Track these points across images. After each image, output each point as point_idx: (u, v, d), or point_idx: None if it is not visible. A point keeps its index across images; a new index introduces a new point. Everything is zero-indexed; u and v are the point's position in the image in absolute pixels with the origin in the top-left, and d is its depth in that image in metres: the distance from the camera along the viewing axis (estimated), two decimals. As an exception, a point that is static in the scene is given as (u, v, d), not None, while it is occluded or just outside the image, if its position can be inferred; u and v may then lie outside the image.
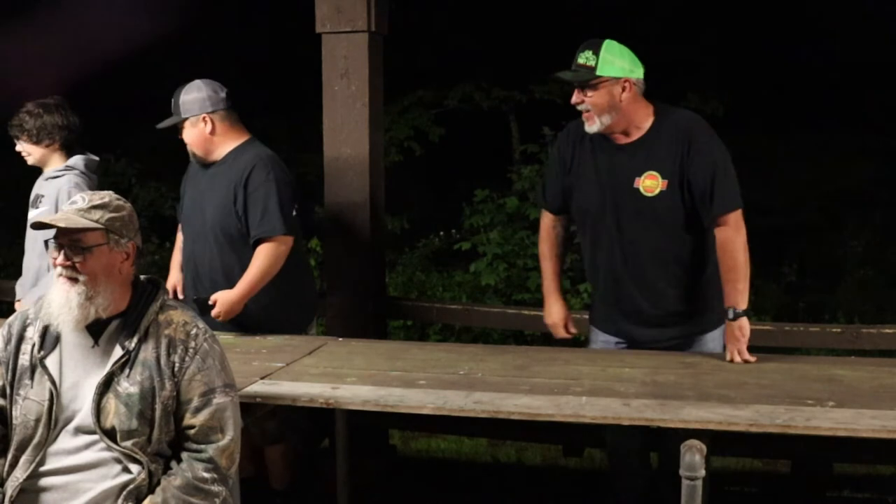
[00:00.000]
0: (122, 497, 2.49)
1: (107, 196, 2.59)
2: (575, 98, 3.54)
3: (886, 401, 2.86)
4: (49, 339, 2.57)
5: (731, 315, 3.44)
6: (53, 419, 2.51)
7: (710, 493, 2.75)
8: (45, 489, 2.50)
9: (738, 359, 3.42)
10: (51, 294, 2.54)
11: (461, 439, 5.57)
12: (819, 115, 10.99)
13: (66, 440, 2.52)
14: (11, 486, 2.50)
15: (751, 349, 3.45)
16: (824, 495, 4.47)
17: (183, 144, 4.09)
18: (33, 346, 2.57)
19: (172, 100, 4.03)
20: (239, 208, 3.90)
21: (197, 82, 4.03)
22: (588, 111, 3.52)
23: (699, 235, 3.56)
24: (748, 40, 11.45)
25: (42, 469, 2.51)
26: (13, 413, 2.55)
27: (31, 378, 2.54)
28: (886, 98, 10.38)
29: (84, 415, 2.51)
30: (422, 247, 9.58)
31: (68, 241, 2.51)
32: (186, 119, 3.98)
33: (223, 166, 4.00)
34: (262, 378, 3.16)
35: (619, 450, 3.82)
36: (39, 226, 2.57)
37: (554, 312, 3.83)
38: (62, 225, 2.50)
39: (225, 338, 3.32)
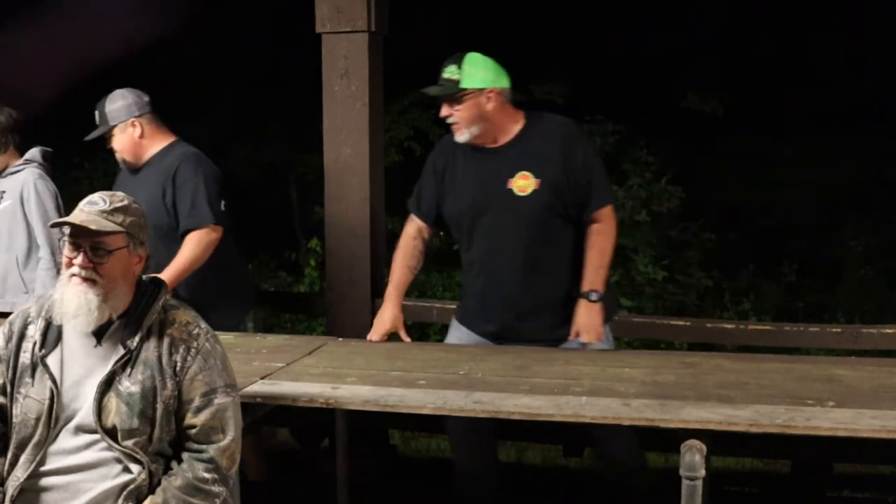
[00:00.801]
0: (122, 497, 2.49)
1: (124, 198, 2.59)
2: (443, 112, 3.65)
3: (886, 401, 2.86)
4: (50, 338, 2.57)
5: (594, 297, 3.59)
6: (54, 418, 2.51)
7: (710, 493, 2.75)
8: (45, 489, 2.50)
9: (594, 340, 3.55)
10: (64, 294, 2.51)
11: (461, 439, 5.56)
12: (819, 115, 10.99)
13: (66, 439, 2.51)
14: (12, 486, 2.50)
15: (751, 349, 3.46)
16: (824, 495, 4.47)
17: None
18: (34, 344, 2.56)
19: (96, 111, 4.15)
20: (168, 203, 4.01)
21: (119, 91, 4.16)
22: (457, 123, 3.64)
23: (572, 235, 3.67)
24: (749, 40, 11.45)
25: (42, 468, 2.51)
26: (13, 411, 2.55)
27: (32, 376, 2.54)
28: (887, 98, 10.37)
29: (85, 413, 2.51)
30: (422, 247, 9.56)
31: (91, 242, 2.50)
32: (115, 126, 4.11)
33: (151, 167, 4.13)
34: (262, 378, 3.16)
35: (462, 443, 3.87)
36: (57, 225, 2.56)
37: (387, 317, 3.83)
38: (94, 227, 2.48)
39: (225, 338, 3.32)
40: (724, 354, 3.62)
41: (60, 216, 4.29)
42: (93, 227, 2.49)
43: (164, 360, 2.54)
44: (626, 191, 8.33)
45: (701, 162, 10.73)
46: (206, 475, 2.52)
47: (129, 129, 4.11)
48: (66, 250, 2.53)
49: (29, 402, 2.53)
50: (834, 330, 4.40)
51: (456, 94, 3.60)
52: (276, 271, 9.78)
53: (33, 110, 4.48)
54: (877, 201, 10.46)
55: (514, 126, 3.70)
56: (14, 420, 2.55)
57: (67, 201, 4.23)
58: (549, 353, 3.60)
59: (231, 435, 2.57)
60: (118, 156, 4.18)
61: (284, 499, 4.24)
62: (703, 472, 2.65)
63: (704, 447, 2.66)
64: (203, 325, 2.64)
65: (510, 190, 3.61)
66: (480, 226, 3.70)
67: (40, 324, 2.58)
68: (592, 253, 3.63)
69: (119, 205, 2.55)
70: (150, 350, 2.54)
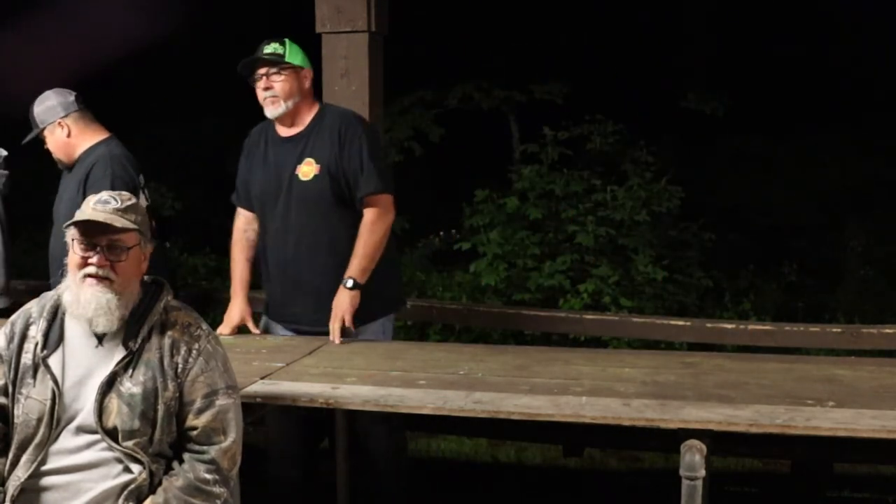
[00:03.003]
0: (122, 497, 2.49)
1: (131, 197, 2.61)
2: (264, 84, 3.88)
3: (886, 401, 2.86)
4: (52, 338, 2.57)
5: (349, 284, 3.80)
6: (55, 418, 2.51)
7: (710, 493, 2.75)
8: (46, 489, 2.51)
9: (336, 326, 3.75)
10: (79, 296, 2.51)
11: (461, 439, 5.57)
12: (819, 115, 10.99)
13: (67, 439, 2.52)
14: (13, 486, 2.50)
15: (751, 349, 3.47)
16: (824, 495, 4.47)
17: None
18: (36, 345, 2.56)
19: (29, 116, 4.23)
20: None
21: (46, 93, 4.25)
22: (275, 96, 3.88)
23: (353, 220, 3.88)
24: (748, 40, 11.46)
25: (44, 468, 2.51)
26: (15, 412, 2.55)
27: (34, 377, 2.54)
28: (886, 97, 10.37)
29: (86, 414, 2.51)
30: (422, 247, 9.57)
31: (107, 241, 2.51)
32: (45, 128, 4.20)
33: (77, 165, 4.23)
34: (262, 378, 3.16)
35: (279, 433, 4.01)
36: (76, 224, 2.54)
37: (235, 312, 4.04)
38: (118, 224, 2.50)
39: (225, 338, 3.33)
40: (724, 354, 3.62)
41: None
42: (117, 224, 2.50)
43: (166, 361, 2.54)
44: (626, 191, 8.33)
45: (701, 162, 10.73)
46: (208, 476, 2.52)
47: (56, 129, 4.20)
48: (79, 250, 2.52)
49: (30, 403, 2.53)
50: (834, 330, 4.40)
51: (281, 64, 3.85)
52: (277, 271, 9.78)
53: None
54: (877, 201, 10.45)
55: (310, 114, 3.95)
56: (16, 420, 2.54)
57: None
58: (550, 352, 3.61)
59: (232, 436, 2.57)
60: (54, 156, 4.27)
61: (284, 499, 4.23)
62: (703, 472, 2.65)
63: (704, 447, 2.66)
64: (204, 326, 2.65)
65: (296, 175, 3.89)
66: (273, 211, 3.94)
67: (42, 324, 2.58)
68: (358, 242, 3.85)
69: (130, 203, 2.57)
70: (151, 351, 2.54)
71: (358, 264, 3.82)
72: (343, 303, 3.79)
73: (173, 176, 10.59)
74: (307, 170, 3.87)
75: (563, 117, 8.91)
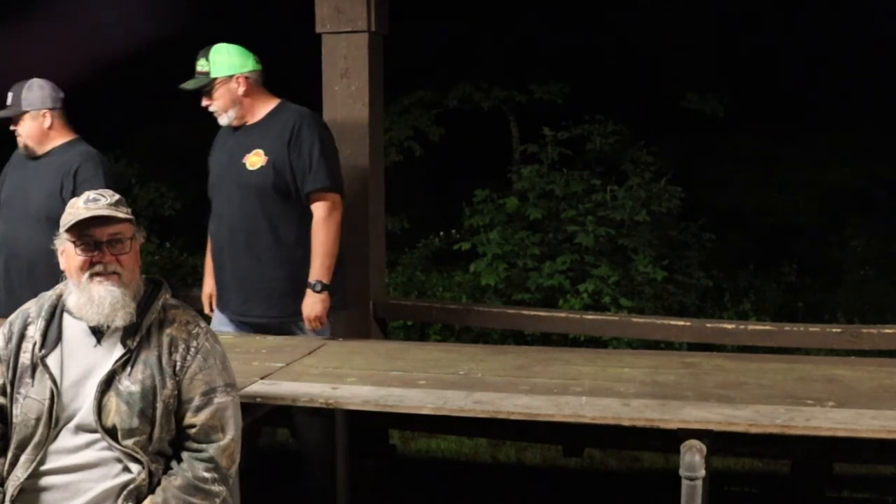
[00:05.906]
0: (122, 497, 2.48)
1: (114, 193, 2.61)
2: (204, 102, 4.05)
3: (886, 401, 2.87)
4: (50, 338, 2.56)
5: (318, 287, 3.87)
6: (54, 418, 2.51)
7: (710, 493, 2.75)
8: (45, 488, 2.50)
9: (315, 327, 3.88)
10: (91, 296, 2.50)
11: (461, 439, 5.57)
12: (819, 115, 10.98)
13: (66, 439, 2.51)
14: (12, 485, 2.50)
15: (751, 349, 3.47)
16: (824, 495, 4.47)
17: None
18: (34, 344, 2.56)
19: (11, 94, 4.34)
20: (66, 196, 4.10)
21: (38, 80, 4.37)
22: (216, 111, 4.05)
23: (297, 217, 3.96)
24: (748, 40, 11.45)
25: (43, 468, 2.50)
26: (13, 412, 2.55)
27: (32, 377, 2.54)
28: (886, 97, 10.37)
29: (85, 413, 2.51)
30: (422, 247, 9.58)
31: (108, 236, 2.52)
32: (27, 112, 4.30)
33: (52, 157, 4.33)
34: (262, 378, 3.16)
35: (305, 432, 4.12)
36: (83, 223, 2.54)
37: (204, 288, 4.28)
38: (122, 216, 2.51)
39: (225, 338, 3.33)
40: (724, 354, 3.62)
41: None
42: (119, 216, 2.52)
43: (164, 359, 2.54)
44: (626, 191, 8.33)
45: (701, 162, 10.73)
46: (206, 474, 2.52)
47: (39, 118, 4.31)
48: (80, 252, 2.52)
49: (29, 403, 2.52)
50: (834, 330, 4.39)
51: (208, 86, 3.98)
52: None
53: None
54: (877, 201, 10.45)
55: (264, 109, 4.05)
56: (14, 420, 2.54)
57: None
58: (550, 352, 3.61)
59: (231, 434, 2.56)
60: (21, 140, 4.35)
61: (284, 499, 4.23)
62: (703, 472, 2.65)
63: (704, 447, 2.66)
64: (203, 324, 2.65)
65: (243, 164, 3.98)
66: (220, 197, 4.09)
67: (40, 324, 2.58)
68: (315, 244, 3.90)
69: (117, 197, 2.59)
70: (149, 349, 2.54)
71: (320, 264, 3.89)
72: (314, 308, 3.87)
73: (173, 176, 10.60)
74: (255, 160, 3.95)
75: (563, 117, 8.92)
